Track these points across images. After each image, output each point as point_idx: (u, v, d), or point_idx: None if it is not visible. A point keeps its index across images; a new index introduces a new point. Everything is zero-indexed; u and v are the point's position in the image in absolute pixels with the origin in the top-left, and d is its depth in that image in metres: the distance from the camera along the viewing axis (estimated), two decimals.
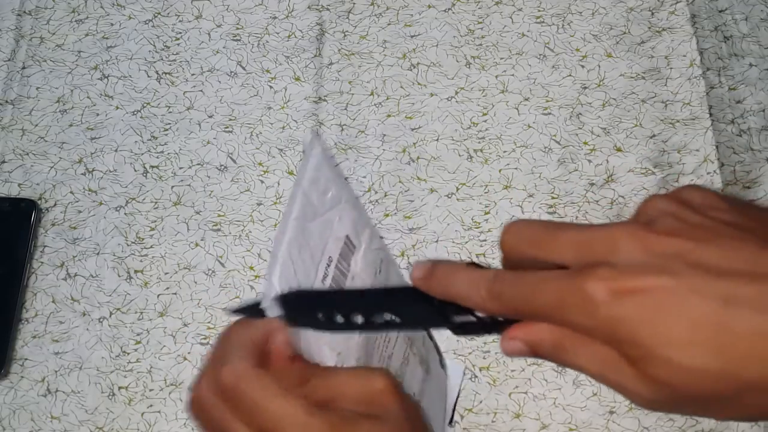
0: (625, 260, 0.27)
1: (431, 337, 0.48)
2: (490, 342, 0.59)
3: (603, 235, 0.28)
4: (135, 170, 0.66)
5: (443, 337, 0.49)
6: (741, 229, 0.27)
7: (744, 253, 0.26)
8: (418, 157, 0.65)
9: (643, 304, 0.26)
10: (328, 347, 0.35)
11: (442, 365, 0.52)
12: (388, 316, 0.32)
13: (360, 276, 0.37)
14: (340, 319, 0.33)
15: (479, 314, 0.30)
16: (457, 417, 0.57)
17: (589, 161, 0.65)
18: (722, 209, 0.28)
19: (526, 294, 0.28)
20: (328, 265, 0.35)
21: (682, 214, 0.28)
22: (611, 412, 0.57)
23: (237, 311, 0.35)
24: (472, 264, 0.32)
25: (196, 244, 0.63)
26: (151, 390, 0.59)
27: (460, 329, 0.31)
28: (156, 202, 0.64)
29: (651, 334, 0.26)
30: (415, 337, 0.44)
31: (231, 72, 0.69)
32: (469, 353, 0.59)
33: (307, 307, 0.34)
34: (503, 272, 0.30)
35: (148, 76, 0.69)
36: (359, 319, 0.33)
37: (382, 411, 0.32)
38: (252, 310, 0.34)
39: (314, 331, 0.34)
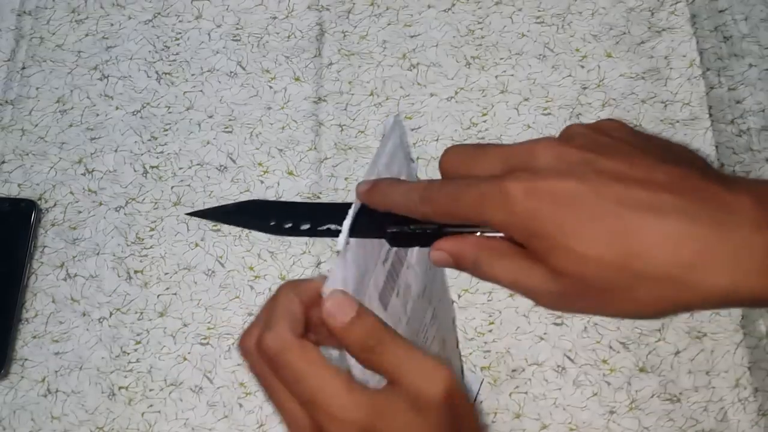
0: (541, 166, 0.30)
1: (457, 345, 0.48)
2: (491, 342, 0.59)
3: (524, 148, 0.31)
4: (135, 170, 0.66)
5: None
6: (642, 150, 0.31)
7: (642, 165, 0.30)
8: (418, 158, 0.65)
9: (552, 202, 0.29)
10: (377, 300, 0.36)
11: (462, 373, 0.52)
12: (332, 225, 0.35)
13: (414, 267, 0.38)
14: (288, 225, 0.36)
15: (412, 227, 0.33)
16: None
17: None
18: (630, 135, 0.32)
19: (453, 195, 0.31)
20: (389, 250, 0.37)
21: (595, 135, 0.32)
22: (611, 412, 0.57)
23: (200, 213, 0.38)
24: None
25: (196, 245, 0.63)
26: (151, 390, 0.59)
27: (394, 239, 0.34)
28: (156, 203, 0.64)
29: (557, 227, 0.29)
30: (447, 340, 0.44)
31: (231, 72, 0.69)
32: (470, 353, 0.59)
33: (261, 214, 0.36)
34: (435, 180, 0.33)
35: (148, 77, 0.69)
36: (305, 226, 0.35)
37: (433, 412, 0.32)
38: (216, 214, 0.38)
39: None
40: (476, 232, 0.32)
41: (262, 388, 0.34)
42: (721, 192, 0.29)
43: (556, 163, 0.30)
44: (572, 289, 0.30)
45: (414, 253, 0.38)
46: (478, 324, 0.60)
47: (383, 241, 0.35)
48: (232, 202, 0.36)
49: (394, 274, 0.37)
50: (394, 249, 0.36)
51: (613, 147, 0.31)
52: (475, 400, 0.55)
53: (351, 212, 0.35)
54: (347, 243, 0.34)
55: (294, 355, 0.33)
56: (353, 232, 0.35)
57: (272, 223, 0.36)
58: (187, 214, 0.40)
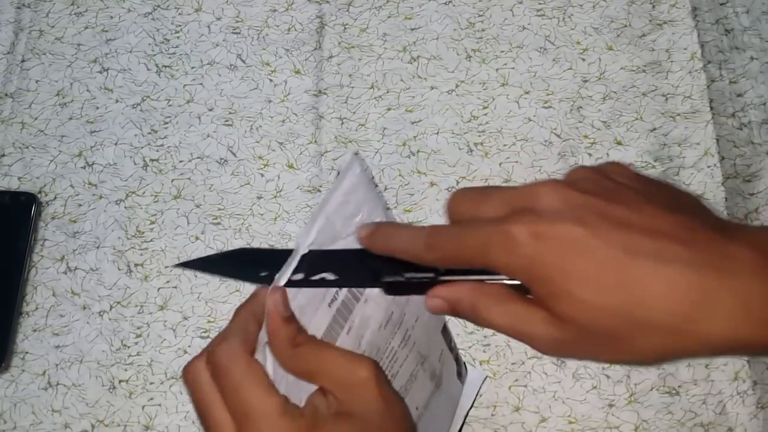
0: (545, 209, 0.30)
1: (451, 349, 0.48)
2: (491, 335, 0.59)
3: (529, 190, 0.32)
4: (135, 163, 0.66)
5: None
6: (647, 196, 0.31)
7: (646, 213, 0.30)
8: (418, 151, 0.65)
9: (556, 246, 0.30)
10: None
11: (460, 375, 0.52)
12: (327, 275, 0.34)
13: (375, 299, 0.38)
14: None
15: (407, 275, 0.33)
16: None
17: (590, 155, 0.65)
18: (634, 181, 0.32)
19: (458, 240, 0.32)
20: (340, 289, 0.36)
21: (600, 179, 0.32)
22: (610, 405, 0.57)
23: (189, 264, 0.38)
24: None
25: (197, 238, 0.63)
26: (151, 383, 0.59)
27: (390, 288, 0.34)
28: (156, 196, 0.64)
29: (561, 272, 0.29)
30: (431, 354, 0.45)
31: (231, 65, 0.69)
32: (470, 347, 0.59)
33: (251, 264, 0.36)
34: (439, 226, 0.33)
35: (148, 69, 0.69)
36: (298, 276, 0.35)
37: (360, 402, 0.33)
38: (201, 264, 0.37)
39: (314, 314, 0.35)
40: (471, 281, 0.32)
41: (196, 399, 0.35)
42: (722, 241, 0.29)
43: (560, 207, 0.30)
44: (573, 335, 0.30)
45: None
46: None
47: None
48: (219, 252, 0.36)
49: (345, 312, 0.37)
50: (345, 288, 0.36)
51: (617, 192, 0.31)
52: (477, 395, 0.55)
53: (295, 258, 0.35)
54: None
55: (240, 368, 0.33)
56: (343, 280, 0.35)
57: (263, 274, 0.35)
58: (175, 266, 0.40)
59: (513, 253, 0.30)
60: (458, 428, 0.53)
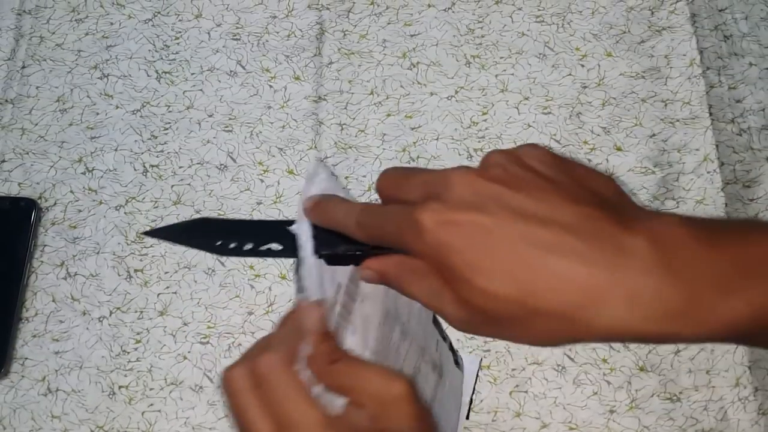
0: (453, 197, 0.32)
1: (444, 338, 0.48)
2: (491, 341, 0.59)
3: (441, 176, 0.33)
4: (135, 169, 0.66)
5: (454, 337, 0.50)
6: (554, 184, 0.32)
7: (549, 203, 0.31)
8: (418, 157, 0.65)
9: (459, 235, 0.31)
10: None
11: (457, 363, 0.52)
12: (273, 245, 0.37)
13: (370, 296, 0.39)
14: (232, 245, 0.37)
15: (343, 249, 0.36)
16: None
17: (589, 160, 0.65)
18: (547, 166, 0.33)
19: (380, 223, 0.34)
20: (338, 292, 0.38)
21: (509, 166, 0.33)
22: (611, 411, 0.57)
23: (152, 233, 0.41)
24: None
25: None
26: (151, 389, 0.59)
27: (328, 259, 0.36)
28: (156, 201, 0.64)
29: (463, 261, 0.31)
30: (428, 345, 0.45)
31: (231, 71, 0.69)
32: (470, 352, 0.59)
33: (206, 234, 0.38)
34: (369, 205, 0.36)
35: (148, 76, 0.69)
36: (249, 245, 0.37)
37: (394, 418, 0.34)
38: (170, 231, 0.40)
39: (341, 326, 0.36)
40: (399, 255, 0.34)
41: (235, 406, 0.35)
42: (620, 234, 0.30)
43: (467, 195, 0.32)
44: (476, 317, 0.32)
45: (364, 284, 0.39)
46: None
47: (331, 287, 0.37)
48: (183, 220, 0.38)
49: (346, 314, 0.38)
50: (342, 291, 0.38)
51: (525, 181, 0.32)
52: (477, 379, 0.55)
53: (304, 231, 0.36)
54: (314, 258, 0.36)
55: (283, 379, 0.34)
56: (288, 249, 0.37)
57: (217, 243, 0.37)
58: (143, 233, 0.42)
59: (420, 239, 0.32)
60: (465, 415, 0.53)
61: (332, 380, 0.34)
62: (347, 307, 0.38)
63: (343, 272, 0.38)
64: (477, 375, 0.56)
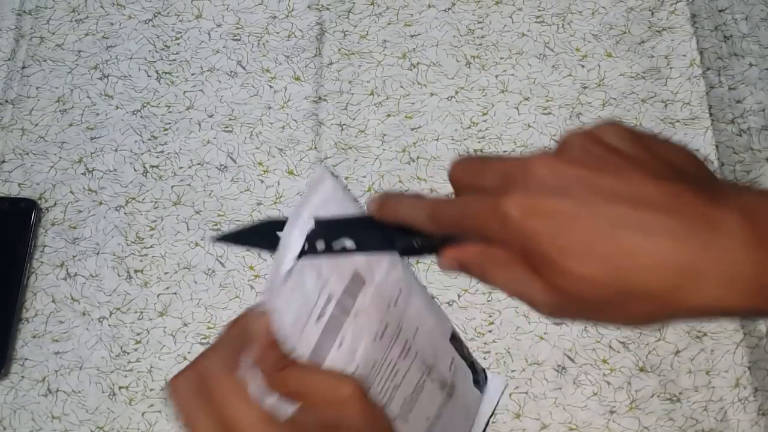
0: (536, 184, 0.31)
1: (465, 357, 0.48)
2: (491, 342, 0.59)
3: (521, 164, 0.32)
4: (135, 170, 0.66)
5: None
6: (636, 163, 0.31)
7: (633, 183, 0.31)
8: (418, 157, 0.65)
9: (547, 222, 0.31)
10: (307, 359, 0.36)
11: (477, 382, 0.51)
12: (346, 243, 0.36)
13: (367, 311, 0.38)
14: (305, 246, 0.36)
15: (419, 240, 0.36)
16: None
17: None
18: (627, 143, 0.32)
19: (457, 214, 0.34)
20: (327, 304, 0.37)
21: (589, 147, 0.32)
22: (611, 412, 0.57)
23: (222, 239, 0.39)
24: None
25: (196, 244, 0.63)
26: (151, 390, 0.59)
27: (404, 252, 0.37)
28: (156, 202, 0.64)
29: (552, 247, 0.31)
30: (438, 363, 0.44)
31: (231, 72, 0.69)
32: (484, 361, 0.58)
33: (272, 233, 0.37)
34: (442, 198, 0.35)
35: (148, 76, 0.69)
36: (321, 245, 0.36)
37: (344, 418, 0.34)
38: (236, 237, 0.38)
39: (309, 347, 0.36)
40: (480, 244, 0.34)
41: (180, 412, 0.36)
42: (710, 210, 0.30)
43: (551, 180, 0.31)
44: (568, 302, 0.32)
45: (367, 296, 0.38)
46: (478, 324, 0.60)
47: (319, 299, 0.36)
48: (250, 224, 0.37)
49: (334, 327, 0.37)
50: (333, 303, 0.37)
51: (607, 161, 0.32)
52: (498, 403, 0.55)
53: (295, 236, 0.36)
54: (292, 267, 0.36)
55: (224, 381, 0.35)
56: (363, 246, 0.36)
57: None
58: (215, 240, 0.41)
59: (506, 228, 0.31)
60: None
61: (282, 387, 0.35)
62: (337, 320, 0.37)
63: (337, 284, 0.37)
64: (499, 398, 0.56)
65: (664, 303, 0.30)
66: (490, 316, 0.60)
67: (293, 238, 0.36)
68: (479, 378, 0.50)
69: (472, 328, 0.60)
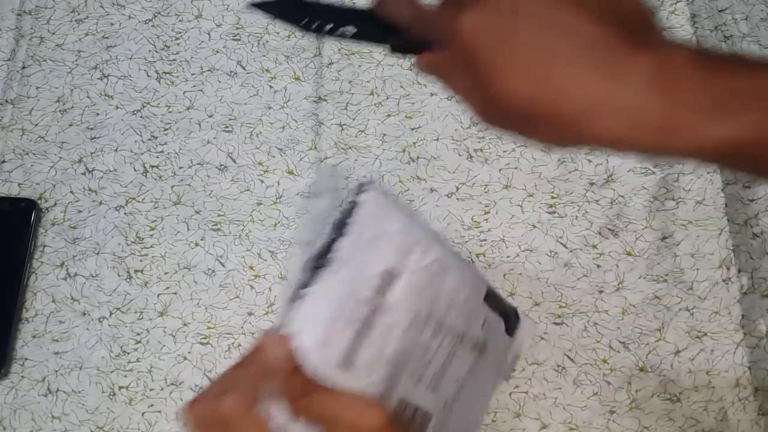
0: (488, 3, 0.35)
1: (499, 310, 0.49)
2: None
3: None
4: (135, 170, 0.66)
5: None
6: (580, 2, 0.35)
7: (574, 17, 0.34)
8: (418, 157, 0.65)
9: (489, 36, 0.35)
10: (336, 367, 0.37)
11: (509, 330, 0.52)
12: (348, 28, 0.41)
13: (397, 306, 0.40)
14: (315, 24, 0.41)
15: (405, 41, 0.40)
16: None
17: (589, 161, 0.65)
18: None
19: (428, 21, 0.38)
20: (356, 308, 0.39)
21: None
22: (611, 412, 0.57)
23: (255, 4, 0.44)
24: None
25: (196, 244, 0.63)
26: (151, 390, 0.59)
27: (393, 48, 0.41)
28: (156, 202, 0.64)
29: (488, 60, 0.35)
30: (471, 328, 0.45)
31: (231, 72, 0.69)
32: None
33: (297, 11, 0.42)
34: (423, 7, 0.39)
35: (148, 76, 0.69)
36: (328, 26, 0.41)
37: None
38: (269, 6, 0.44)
39: (321, 356, 0.37)
40: (448, 54, 0.38)
41: None
42: (630, 54, 0.33)
43: (502, 3, 0.35)
44: (497, 112, 0.36)
45: (397, 291, 0.40)
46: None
47: (344, 304, 0.38)
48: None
49: (365, 330, 0.38)
50: (363, 306, 0.39)
51: None
52: (525, 343, 0.55)
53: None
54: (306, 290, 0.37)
55: (246, 420, 0.35)
56: (361, 34, 0.41)
57: (304, 21, 0.42)
58: (251, 5, 0.45)
59: (457, 40, 0.35)
60: (506, 375, 0.54)
61: (307, 413, 0.35)
62: (368, 322, 0.38)
63: (368, 286, 0.38)
64: (530, 337, 0.57)
65: (571, 127, 0.34)
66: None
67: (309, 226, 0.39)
68: (511, 325, 0.51)
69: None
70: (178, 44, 0.70)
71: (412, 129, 0.66)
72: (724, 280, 0.61)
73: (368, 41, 0.41)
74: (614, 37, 0.34)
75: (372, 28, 0.41)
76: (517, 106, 0.34)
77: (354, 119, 0.67)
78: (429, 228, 0.44)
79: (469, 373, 0.47)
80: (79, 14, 0.72)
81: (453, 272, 0.43)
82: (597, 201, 0.64)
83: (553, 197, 0.64)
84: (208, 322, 0.61)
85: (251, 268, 0.62)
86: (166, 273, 0.62)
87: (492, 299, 0.48)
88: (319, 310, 0.37)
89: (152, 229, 0.64)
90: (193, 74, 0.69)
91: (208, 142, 0.66)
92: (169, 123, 0.67)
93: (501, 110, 0.35)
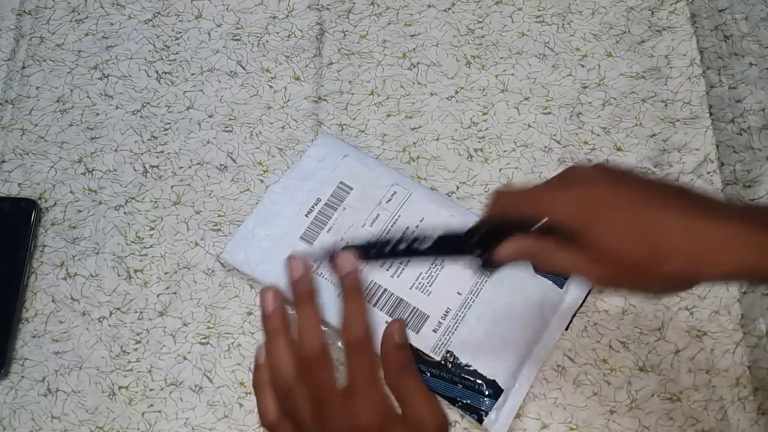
0: (582, 176, 0.41)
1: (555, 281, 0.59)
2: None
3: (570, 171, 0.43)
4: (135, 170, 0.66)
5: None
6: (651, 178, 0.42)
7: (654, 179, 0.41)
8: (418, 157, 0.65)
9: (590, 204, 0.40)
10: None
11: (558, 283, 0.59)
12: (427, 243, 0.45)
13: (353, 206, 0.59)
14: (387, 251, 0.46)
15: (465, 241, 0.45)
16: (457, 416, 0.57)
17: (590, 161, 0.65)
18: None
19: (517, 203, 0.43)
20: (315, 204, 0.60)
21: (606, 166, 0.42)
22: (611, 412, 0.57)
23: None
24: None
25: (196, 244, 0.63)
26: (151, 390, 0.59)
27: (485, 264, 0.45)
28: (156, 202, 0.64)
29: (593, 224, 0.39)
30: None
31: (231, 71, 0.69)
32: None
33: (369, 250, 0.46)
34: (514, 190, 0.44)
35: (148, 76, 0.69)
36: (402, 245, 0.45)
37: None
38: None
39: None
40: (532, 236, 0.42)
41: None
42: (711, 202, 0.39)
43: (593, 174, 0.41)
44: (612, 270, 0.39)
45: (353, 197, 0.59)
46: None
47: (306, 200, 0.58)
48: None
49: (324, 219, 0.58)
50: (323, 201, 0.54)
51: (630, 169, 0.42)
52: (583, 301, 0.60)
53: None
54: None
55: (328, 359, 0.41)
56: (438, 251, 0.46)
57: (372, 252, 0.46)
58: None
59: (560, 211, 0.40)
60: (564, 326, 0.59)
61: (395, 387, 0.41)
62: (325, 214, 0.51)
63: (325, 190, 0.57)
64: (585, 296, 0.60)
65: (689, 262, 0.38)
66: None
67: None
68: (562, 281, 0.59)
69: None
70: (178, 44, 0.70)
71: (412, 129, 0.66)
72: None
73: (448, 256, 0.45)
74: (691, 191, 0.41)
75: (452, 245, 0.45)
76: (630, 258, 0.38)
77: (354, 119, 0.67)
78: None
79: (476, 292, 0.58)
80: (79, 14, 0.72)
81: (420, 195, 0.60)
82: None
83: None
84: (208, 321, 0.61)
85: None
86: (165, 273, 0.62)
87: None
88: (287, 205, 0.51)
89: (152, 228, 0.64)
90: (193, 74, 0.69)
91: (208, 142, 0.66)
92: (169, 123, 0.67)
93: (614, 268, 0.39)
